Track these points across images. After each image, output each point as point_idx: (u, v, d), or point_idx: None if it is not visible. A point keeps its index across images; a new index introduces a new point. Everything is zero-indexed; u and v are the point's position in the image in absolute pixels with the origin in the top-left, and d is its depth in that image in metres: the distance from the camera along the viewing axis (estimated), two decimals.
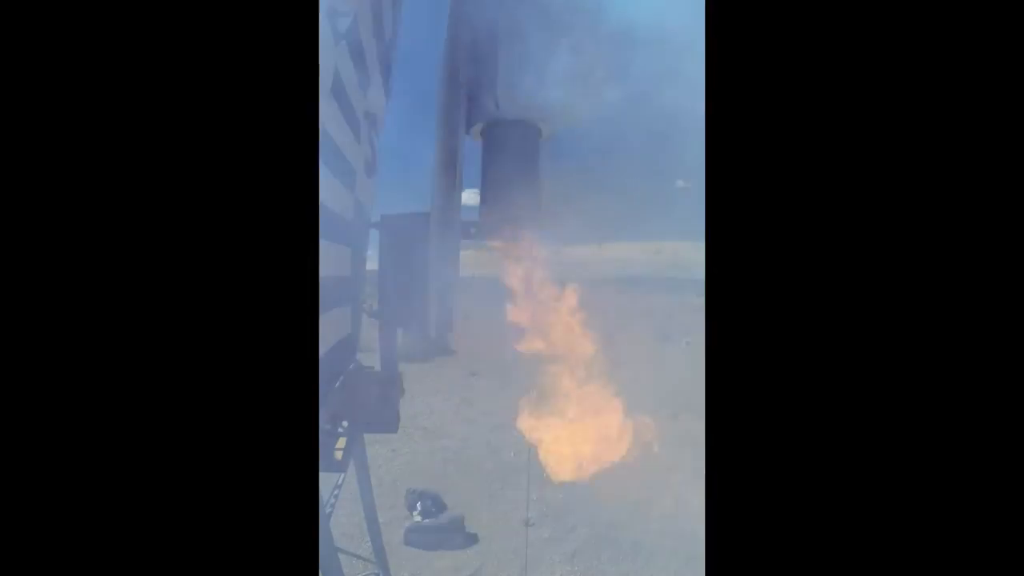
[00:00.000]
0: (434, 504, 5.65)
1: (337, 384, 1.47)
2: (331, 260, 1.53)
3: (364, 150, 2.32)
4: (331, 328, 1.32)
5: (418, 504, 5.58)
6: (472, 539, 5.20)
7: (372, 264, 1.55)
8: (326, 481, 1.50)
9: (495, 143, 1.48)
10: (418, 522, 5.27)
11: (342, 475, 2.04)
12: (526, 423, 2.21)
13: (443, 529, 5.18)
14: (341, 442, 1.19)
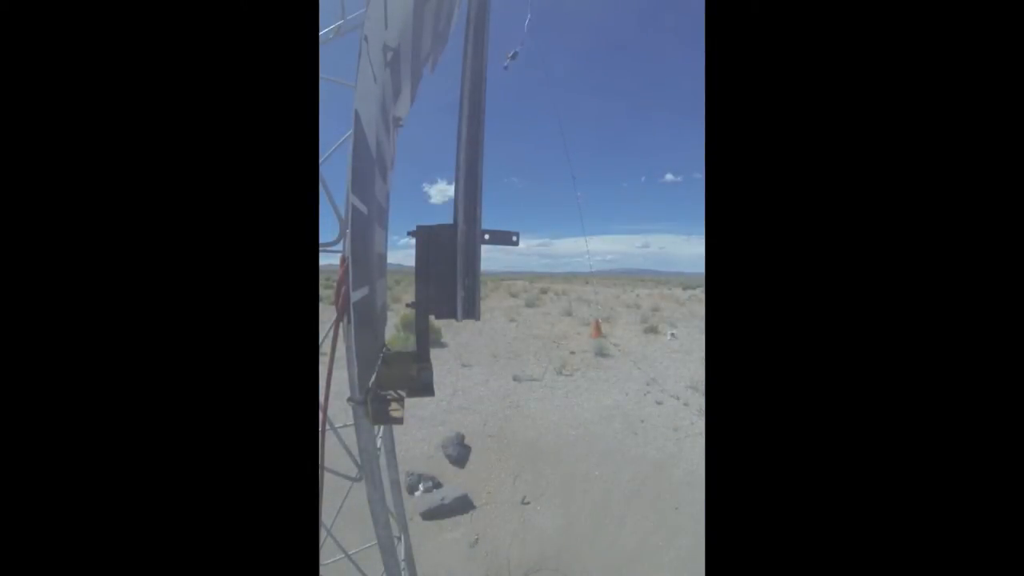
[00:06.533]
0: (433, 484, 6.02)
1: (379, 361, 1.80)
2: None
3: (390, 151, 2.61)
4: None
5: (420, 484, 5.96)
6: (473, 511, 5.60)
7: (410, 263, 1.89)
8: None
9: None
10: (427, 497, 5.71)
11: (380, 429, 2.41)
12: None
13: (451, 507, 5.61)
14: (394, 405, 1.52)
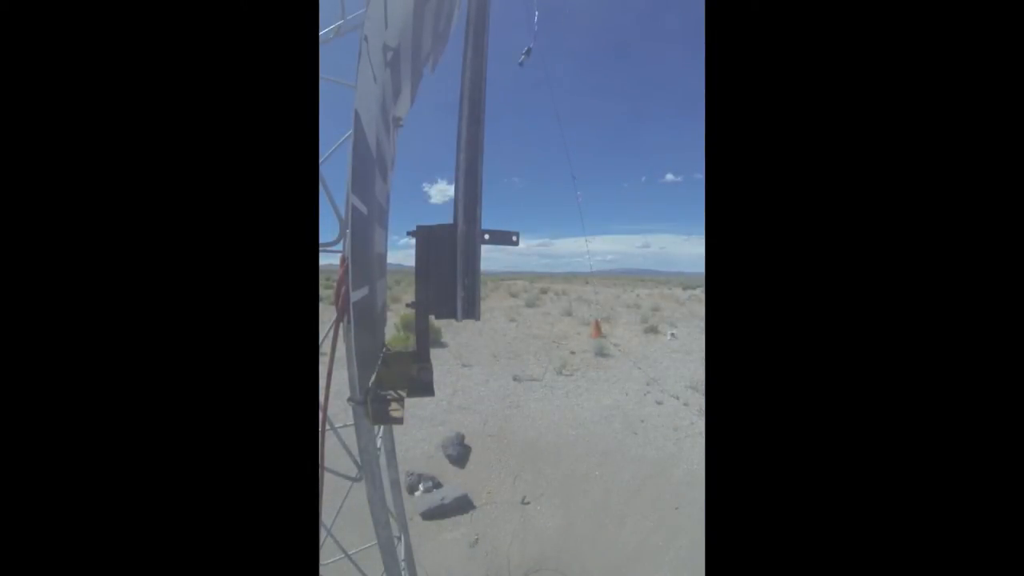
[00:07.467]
0: (433, 483, 6.02)
1: (379, 361, 1.80)
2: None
3: (390, 151, 2.61)
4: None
5: (420, 484, 5.96)
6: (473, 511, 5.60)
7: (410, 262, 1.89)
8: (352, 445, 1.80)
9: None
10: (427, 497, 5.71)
11: (380, 429, 2.41)
12: None
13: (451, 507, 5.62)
14: (394, 405, 1.52)
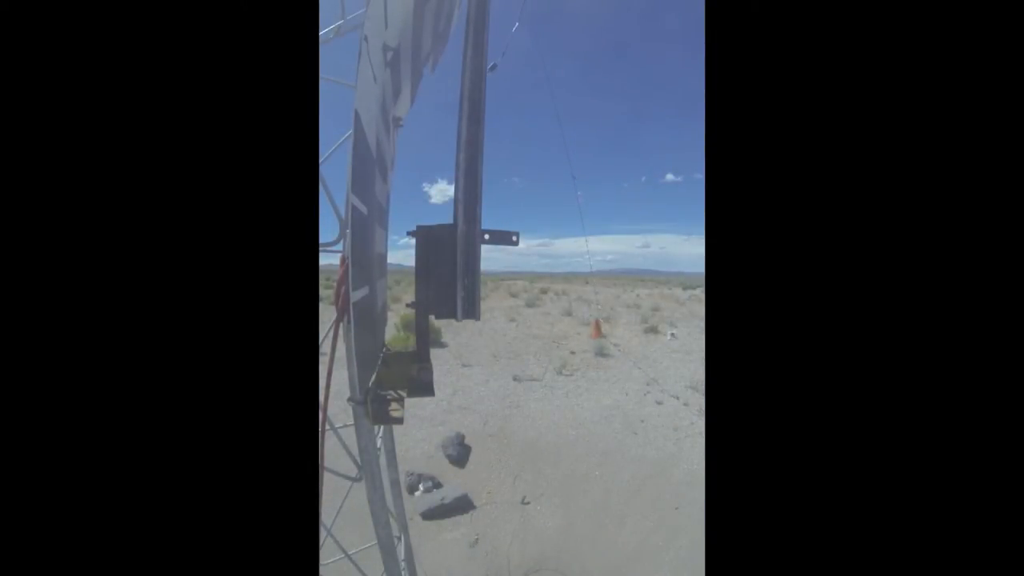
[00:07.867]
0: (433, 484, 6.03)
1: (379, 361, 1.80)
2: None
3: (390, 151, 2.61)
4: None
5: (420, 484, 5.96)
6: (473, 511, 5.60)
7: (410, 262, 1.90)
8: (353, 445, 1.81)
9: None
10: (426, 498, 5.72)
11: (380, 429, 2.41)
12: None
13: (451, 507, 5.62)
14: (394, 405, 1.52)
